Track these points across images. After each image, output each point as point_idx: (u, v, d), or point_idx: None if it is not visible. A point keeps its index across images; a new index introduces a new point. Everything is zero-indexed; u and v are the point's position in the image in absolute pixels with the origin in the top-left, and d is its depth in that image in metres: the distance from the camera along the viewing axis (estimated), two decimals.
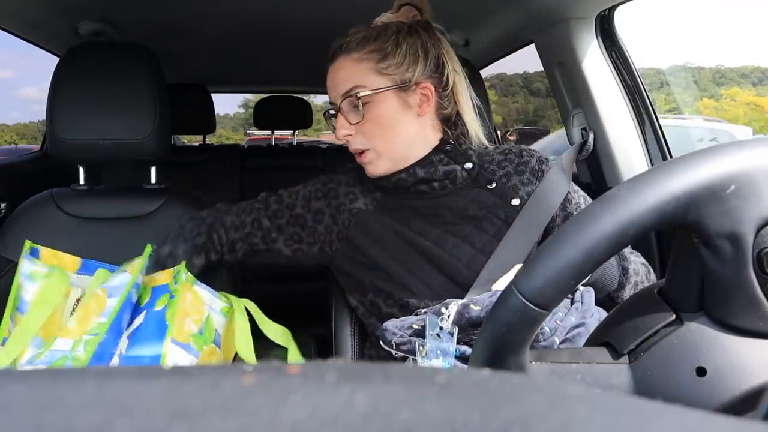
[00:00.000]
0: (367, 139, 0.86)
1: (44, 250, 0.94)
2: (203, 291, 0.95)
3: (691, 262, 0.40)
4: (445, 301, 0.73)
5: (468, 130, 0.91)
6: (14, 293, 0.86)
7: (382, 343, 0.73)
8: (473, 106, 0.91)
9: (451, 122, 0.90)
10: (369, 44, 0.85)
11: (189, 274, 0.94)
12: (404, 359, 0.73)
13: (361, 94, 0.84)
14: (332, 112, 0.90)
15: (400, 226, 0.87)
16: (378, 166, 0.88)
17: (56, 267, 0.90)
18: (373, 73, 0.84)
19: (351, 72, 0.85)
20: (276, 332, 0.97)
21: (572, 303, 0.76)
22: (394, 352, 0.72)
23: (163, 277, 0.95)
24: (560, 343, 0.68)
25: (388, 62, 0.84)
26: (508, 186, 0.89)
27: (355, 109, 0.86)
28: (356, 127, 0.86)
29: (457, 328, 0.65)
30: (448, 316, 0.69)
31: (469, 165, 0.89)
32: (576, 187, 0.94)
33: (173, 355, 0.83)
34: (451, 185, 0.89)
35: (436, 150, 0.88)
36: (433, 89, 0.86)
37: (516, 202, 0.87)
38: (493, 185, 0.89)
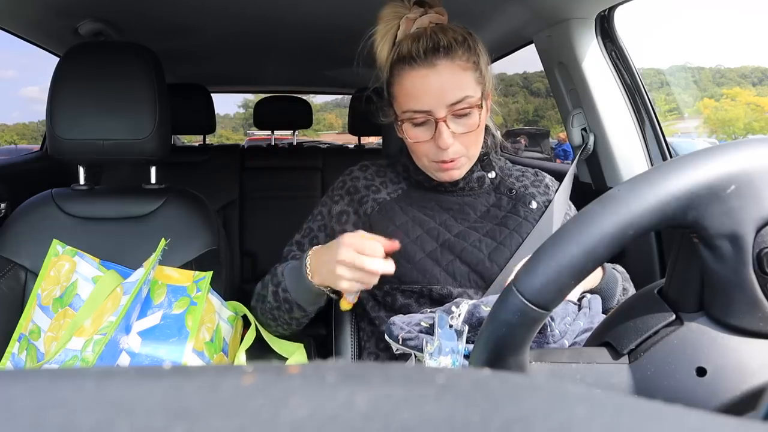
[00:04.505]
0: (465, 147, 0.86)
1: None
2: (214, 299, 0.96)
3: (691, 262, 0.40)
4: (456, 300, 0.73)
5: (495, 142, 0.96)
6: (69, 291, 0.94)
7: (387, 337, 0.73)
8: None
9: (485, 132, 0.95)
10: (467, 52, 0.83)
11: (208, 281, 0.95)
12: (405, 358, 0.73)
13: (482, 101, 0.84)
14: (419, 119, 0.84)
15: (425, 218, 0.91)
16: (463, 170, 0.90)
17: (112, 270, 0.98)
18: (474, 81, 0.84)
19: (460, 80, 0.83)
20: (284, 346, 0.97)
21: (580, 309, 0.77)
22: (395, 348, 0.71)
23: (178, 277, 0.95)
24: (569, 346, 0.68)
25: (479, 72, 0.85)
26: (526, 193, 0.95)
27: (457, 117, 0.83)
28: (456, 137, 0.84)
29: (467, 327, 0.65)
30: (459, 315, 0.69)
31: (492, 174, 0.96)
32: (574, 209, 1.01)
33: (192, 364, 0.85)
34: (478, 189, 0.94)
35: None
36: (490, 100, 0.91)
37: (534, 205, 0.93)
38: (513, 192, 0.95)
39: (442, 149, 0.84)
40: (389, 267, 0.76)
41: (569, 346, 0.69)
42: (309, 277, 0.81)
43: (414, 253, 0.87)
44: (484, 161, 0.95)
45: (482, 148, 0.93)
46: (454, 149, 0.85)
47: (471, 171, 0.92)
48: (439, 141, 0.83)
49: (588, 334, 0.71)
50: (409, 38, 0.84)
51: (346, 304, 0.82)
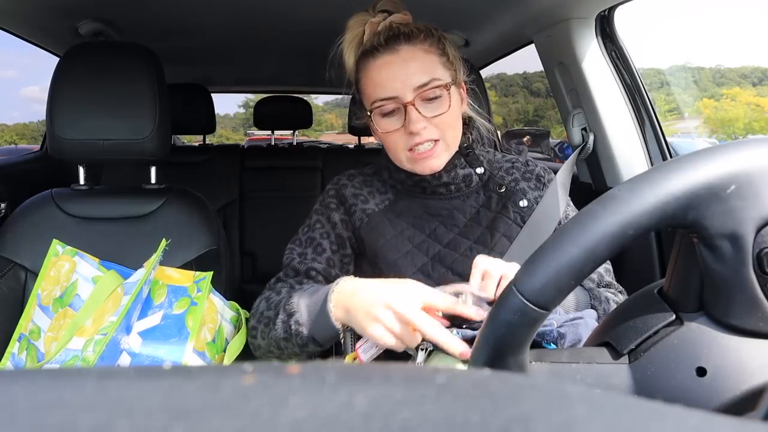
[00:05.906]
0: (440, 131, 0.84)
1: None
2: (217, 299, 0.96)
3: (691, 262, 0.40)
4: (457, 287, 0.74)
5: (482, 134, 0.94)
6: (69, 291, 0.95)
7: None
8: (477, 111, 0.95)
9: (466, 125, 0.93)
10: (428, 37, 0.84)
11: (209, 281, 0.95)
12: (405, 358, 0.73)
13: (450, 85, 0.83)
14: (388, 108, 0.83)
15: (414, 230, 0.89)
16: (442, 159, 0.87)
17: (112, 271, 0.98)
18: (441, 66, 0.84)
19: (424, 63, 0.83)
20: None
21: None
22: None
23: (178, 277, 0.96)
24: (557, 327, 0.68)
25: (445, 58, 0.85)
26: (516, 189, 0.93)
27: (426, 102, 0.83)
28: (428, 120, 0.83)
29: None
30: (464, 301, 0.70)
31: (480, 170, 0.92)
32: (571, 203, 0.98)
33: (193, 364, 0.85)
34: (466, 188, 0.91)
35: (457, 153, 0.90)
36: (465, 89, 0.90)
37: (524, 203, 0.91)
38: (503, 189, 0.92)
39: (414, 133, 0.82)
40: (451, 342, 0.60)
41: (559, 326, 0.69)
42: (331, 309, 0.70)
43: (405, 268, 0.86)
44: (469, 156, 0.92)
45: (464, 142, 0.91)
46: (428, 133, 0.83)
47: (454, 166, 0.89)
48: (409, 125, 0.82)
49: (578, 321, 0.70)
50: (372, 36, 0.85)
51: (351, 360, 0.67)
